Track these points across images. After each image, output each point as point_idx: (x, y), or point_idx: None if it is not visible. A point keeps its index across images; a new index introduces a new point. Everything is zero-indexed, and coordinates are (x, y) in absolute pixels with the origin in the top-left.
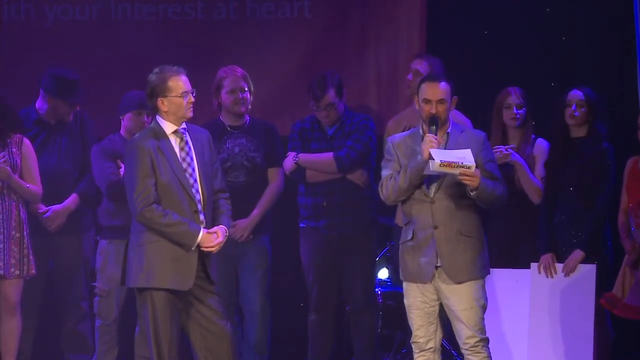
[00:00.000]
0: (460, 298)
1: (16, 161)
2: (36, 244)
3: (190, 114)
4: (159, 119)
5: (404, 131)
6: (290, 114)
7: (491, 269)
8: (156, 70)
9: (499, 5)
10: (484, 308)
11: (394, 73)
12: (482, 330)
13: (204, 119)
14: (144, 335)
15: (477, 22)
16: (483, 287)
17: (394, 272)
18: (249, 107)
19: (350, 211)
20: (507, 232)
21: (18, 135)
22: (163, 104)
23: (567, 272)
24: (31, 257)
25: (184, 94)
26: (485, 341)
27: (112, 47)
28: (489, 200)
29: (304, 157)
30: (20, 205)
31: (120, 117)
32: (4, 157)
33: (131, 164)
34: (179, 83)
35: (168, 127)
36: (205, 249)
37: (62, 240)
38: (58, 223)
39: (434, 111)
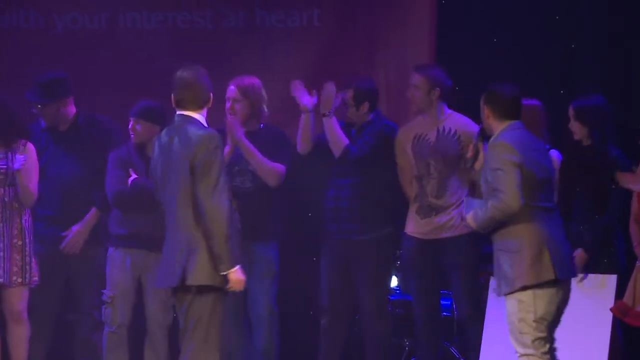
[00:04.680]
0: None
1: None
2: (49, 252)
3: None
4: (194, 116)
5: (413, 140)
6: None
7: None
8: (195, 66)
9: (508, 13)
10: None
11: (403, 81)
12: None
13: (212, 126)
14: (203, 340)
15: (486, 30)
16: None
17: (403, 280)
18: (249, 119)
19: (358, 217)
20: None
21: (23, 140)
22: (210, 101)
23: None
24: (33, 264)
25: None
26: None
27: (121, 56)
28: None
29: (333, 121)
30: (22, 213)
31: None
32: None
33: (218, 157)
34: None
35: None
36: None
37: (75, 253)
38: (82, 242)
39: None
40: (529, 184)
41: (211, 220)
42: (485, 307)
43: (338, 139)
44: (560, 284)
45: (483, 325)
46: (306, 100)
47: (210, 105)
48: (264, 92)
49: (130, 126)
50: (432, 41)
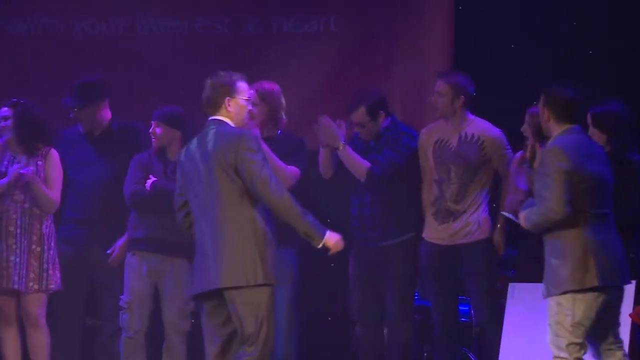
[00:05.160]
0: None
1: (40, 175)
2: (75, 255)
3: (247, 121)
4: (222, 119)
5: (435, 144)
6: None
7: (521, 284)
8: (221, 72)
9: (526, 18)
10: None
11: (420, 87)
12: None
13: None
14: (265, 341)
15: (504, 36)
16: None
17: (421, 285)
18: (267, 124)
19: (381, 224)
20: (537, 244)
21: (46, 147)
22: (229, 104)
23: None
24: (51, 272)
25: (247, 99)
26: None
27: (138, 61)
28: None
29: (347, 150)
30: (43, 219)
31: None
32: (30, 169)
33: (260, 151)
34: (246, 88)
35: None
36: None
37: (98, 255)
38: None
39: None
40: (579, 191)
41: (280, 211)
42: (503, 312)
43: (358, 166)
44: (604, 290)
45: (501, 331)
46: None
47: (230, 108)
48: (283, 99)
49: (150, 129)
50: (450, 46)
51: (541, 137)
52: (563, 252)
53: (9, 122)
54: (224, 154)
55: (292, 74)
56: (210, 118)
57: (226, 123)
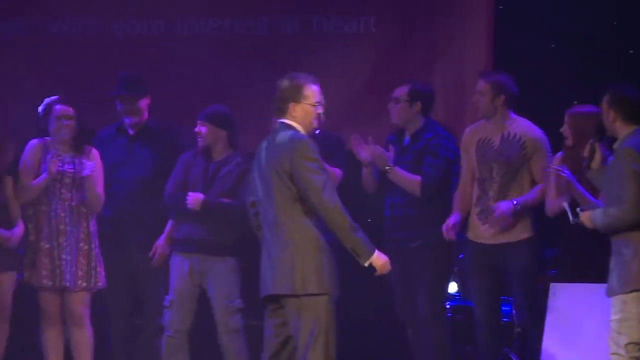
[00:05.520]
0: None
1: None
2: (116, 257)
3: (316, 125)
4: (289, 122)
5: (478, 143)
6: (357, 128)
7: (563, 284)
8: (292, 75)
9: (566, 19)
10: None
11: (460, 87)
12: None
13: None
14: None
15: (544, 36)
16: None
17: (462, 285)
18: None
19: (412, 225)
20: (579, 244)
21: (88, 146)
22: (295, 109)
23: None
24: (99, 269)
25: (316, 104)
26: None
27: (178, 62)
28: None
29: (396, 170)
30: (89, 218)
31: None
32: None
33: (312, 158)
34: (315, 92)
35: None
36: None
37: (136, 255)
38: (168, 253)
39: None
40: None
41: (330, 219)
42: (544, 313)
43: (410, 183)
44: None
45: (543, 331)
46: (364, 154)
47: (295, 113)
48: (322, 98)
49: (196, 128)
50: (490, 47)
51: (600, 136)
52: (632, 252)
53: (72, 121)
54: (280, 160)
55: (331, 74)
56: (278, 121)
57: (291, 127)
